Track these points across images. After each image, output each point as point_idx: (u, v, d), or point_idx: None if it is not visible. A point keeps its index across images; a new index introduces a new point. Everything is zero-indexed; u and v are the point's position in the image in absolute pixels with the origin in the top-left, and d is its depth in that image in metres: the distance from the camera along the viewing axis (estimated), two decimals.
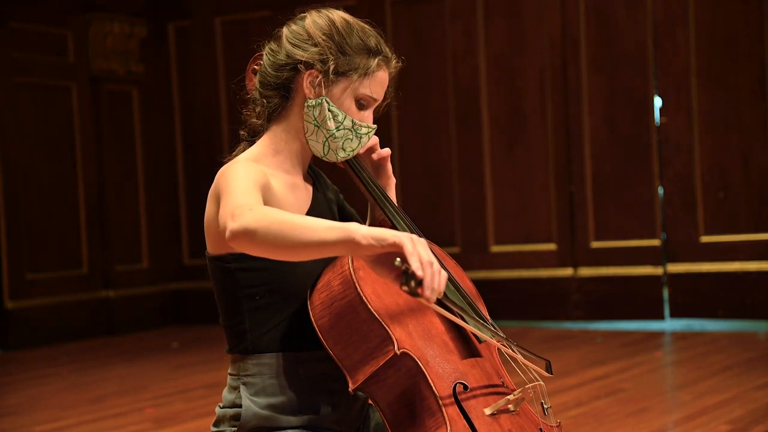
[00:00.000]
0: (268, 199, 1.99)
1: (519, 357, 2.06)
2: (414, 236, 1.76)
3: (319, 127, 2.11)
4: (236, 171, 1.99)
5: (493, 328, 2.05)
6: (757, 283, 6.68)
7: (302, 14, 2.15)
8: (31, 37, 7.78)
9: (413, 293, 1.70)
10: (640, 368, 5.46)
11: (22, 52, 7.71)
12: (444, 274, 1.75)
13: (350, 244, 1.77)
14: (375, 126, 2.15)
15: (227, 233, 1.84)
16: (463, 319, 2.00)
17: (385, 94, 2.16)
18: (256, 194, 1.93)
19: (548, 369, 2.09)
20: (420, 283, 1.71)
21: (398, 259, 1.73)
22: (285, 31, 2.14)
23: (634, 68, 7.09)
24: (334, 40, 2.09)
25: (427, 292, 1.72)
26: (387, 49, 2.14)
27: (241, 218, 1.82)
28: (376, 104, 2.15)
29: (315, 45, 2.09)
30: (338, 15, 2.13)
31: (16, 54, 7.66)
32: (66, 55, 8.02)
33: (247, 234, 1.81)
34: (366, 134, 2.14)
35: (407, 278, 1.70)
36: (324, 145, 2.12)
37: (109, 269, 8.18)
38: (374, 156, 2.23)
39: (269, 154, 2.13)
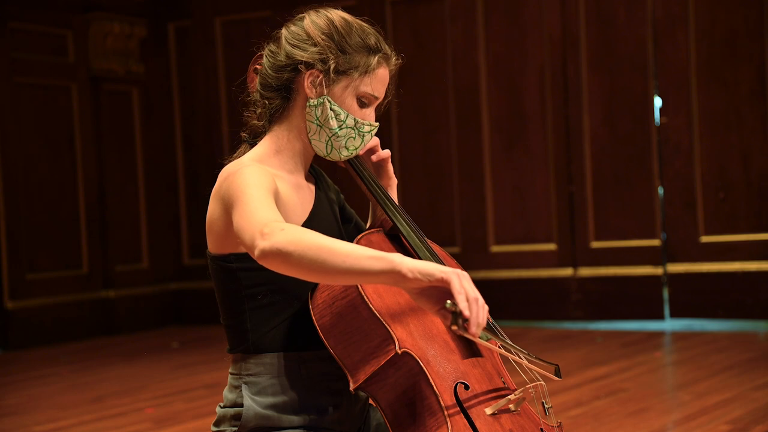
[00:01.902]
0: (276, 203, 1.99)
1: (524, 363, 2.06)
2: (459, 271, 1.79)
3: (321, 127, 2.11)
4: (247, 177, 1.98)
5: (499, 333, 2.05)
6: (757, 283, 6.68)
7: (300, 15, 2.15)
8: (31, 37, 7.77)
9: (462, 330, 1.76)
10: (640, 368, 5.46)
11: (22, 52, 7.71)
12: (486, 307, 1.79)
13: (395, 275, 1.79)
14: (377, 124, 2.15)
15: (256, 251, 1.83)
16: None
17: (386, 91, 2.16)
18: (274, 205, 1.93)
19: (557, 373, 2.09)
20: (467, 320, 1.76)
21: (449, 301, 1.77)
22: (284, 32, 2.14)
23: (634, 68, 7.09)
24: (334, 40, 2.09)
25: (473, 329, 1.77)
26: (387, 47, 2.14)
27: (273, 238, 1.82)
28: (378, 102, 2.15)
29: (314, 45, 2.09)
30: (337, 14, 2.13)
31: (16, 54, 7.66)
32: (66, 55, 8.02)
33: (280, 255, 1.81)
34: (369, 132, 2.14)
35: (455, 317, 1.76)
36: (327, 144, 2.12)
37: (109, 269, 8.18)
38: (374, 158, 2.23)
39: (272, 155, 2.13)
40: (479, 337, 1.98)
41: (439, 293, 1.80)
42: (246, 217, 1.90)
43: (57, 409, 5.15)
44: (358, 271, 1.79)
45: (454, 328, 1.76)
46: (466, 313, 1.76)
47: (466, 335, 1.79)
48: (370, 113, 2.14)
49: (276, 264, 1.83)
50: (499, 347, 2.05)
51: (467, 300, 1.76)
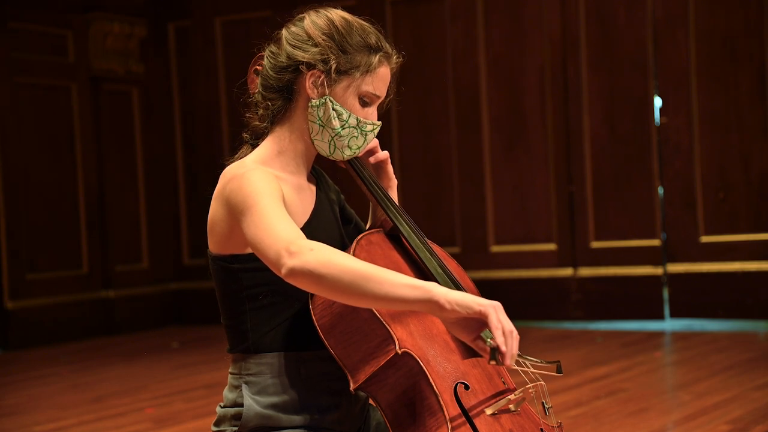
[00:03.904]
0: None
1: (530, 370, 2.06)
2: (495, 303, 1.83)
3: (324, 127, 2.11)
4: (255, 183, 1.98)
5: None
6: (757, 283, 6.68)
7: (301, 15, 2.14)
8: (31, 37, 7.77)
9: (499, 364, 1.82)
10: (640, 368, 5.46)
11: (22, 52, 7.71)
12: (518, 337, 1.83)
13: (431, 305, 1.82)
14: (380, 123, 2.15)
15: (284, 270, 1.85)
16: None
17: (388, 90, 2.16)
18: (289, 217, 1.94)
19: (558, 369, 2.10)
20: (503, 354, 1.81)
21: (490, 340, 1.81)
22: (284, 32, 2.14)
23: (634, 68, 7.09)
24: (335, 40, 2.09)
25: (508, 361, 1.81)
26: (387, 46, 2.13)
27: (302, 257, 1.83)
28: (380, 101, 2.15)
29: (315, 45, 2.09)
30: (337, 14, 2.13)
31: (16, 54, 7.66)
32: (66, 55, 8.02)
33: (311, 276, 1.83)
34: (371, 131, 2.14)
35: (493, 353, 1.81)
36: (330, 144, 2.12)
37: (109, 269, 8.18)
38: (371, 159, 2.23)
39: (274, 156, 2.12)
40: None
41: (474, 323, 1.85)
42: (265, 231, 1.90)
43: (57, 409, 5.15)
44: (394, 298, 1.82)
45: (493, 363, 1.81)
46: (503, 348, 1.80)
47: (501, 366, 1.85)
48: (372, 112, 2.14)
49: (306, 284, 1.85)
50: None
51: (503, 335, 1.80)
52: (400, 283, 1.82)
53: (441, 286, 1.83)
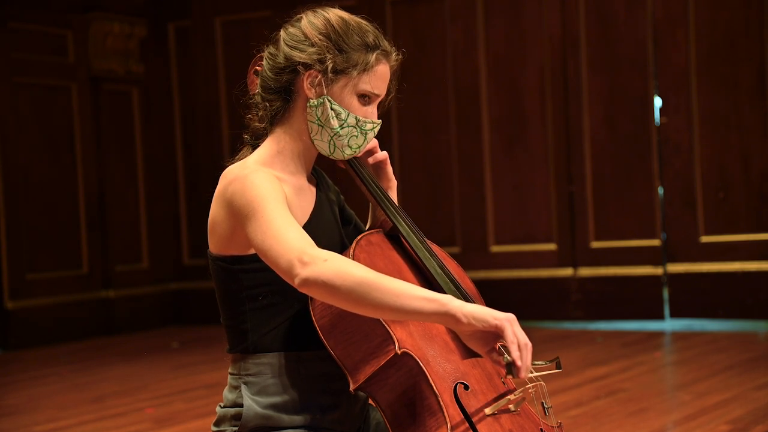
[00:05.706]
0: None
1: (533, 374, 2.06)
2: (510, 317, 1.84)
3: (322, 127, 2.10)
4: (259, 186, 1.98)
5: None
6: (757, 283, 6.68)
7: (298, 16, 2.14)
8: (31, 37, 7.77)
9: (515, 377, 1.85)
10: (640, 368, 5.46)
11: (22, 52, 7.71)
12: (531, 348, 1.85)
13: (447, 318, 1.84)
14: (380, 121, 2.14)
15: (297, 280, 1.86)
16: None
17: (389, 88, 2.16)
18: (297, 223, 1.95)
19: (558, 366, 2.09)
20: (518, 368, 1.84)
21: (507, 357, 1.83)
22: (282, 33, 2.13)
23: (634, 68, 7.09)
24: (331, 39, 2.08)
25: (523, 374, 1.84)
26: (386, 43, 2.13)
27: (316, 268, 1.84)
28: (380, 99, 2.14)
29: (312, 45, 2.08)
30: (334, 13, 2.12)
31: (16, 54, 7.66)
32: (66, 55, 8.02)
33: (325, 287, 1.84)
34: (371, 130, 2.14)
35: (509, 368, 1.83)
36: (329, 143, 2.12)
37: (109, 269, 8.18)
38: (370, 160, 2.23)
39: (274, 157, 2.12)
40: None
41: (489, 336, 1.87)
42: (275, 238, 1.91)
43: (57, 409, 5.15)
44: (409, 310, 1.83)
45: (509, 377, 1.84)
46: (519, 363, 1.83)
47: (516, 378, 1.88)
48: (372, 111, 2.13)
49: (319, 294, 1.86)
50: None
51: (519, 349, 1.82)
52: (416, 295, 1.83)
53: (456, 299, 1.84)
